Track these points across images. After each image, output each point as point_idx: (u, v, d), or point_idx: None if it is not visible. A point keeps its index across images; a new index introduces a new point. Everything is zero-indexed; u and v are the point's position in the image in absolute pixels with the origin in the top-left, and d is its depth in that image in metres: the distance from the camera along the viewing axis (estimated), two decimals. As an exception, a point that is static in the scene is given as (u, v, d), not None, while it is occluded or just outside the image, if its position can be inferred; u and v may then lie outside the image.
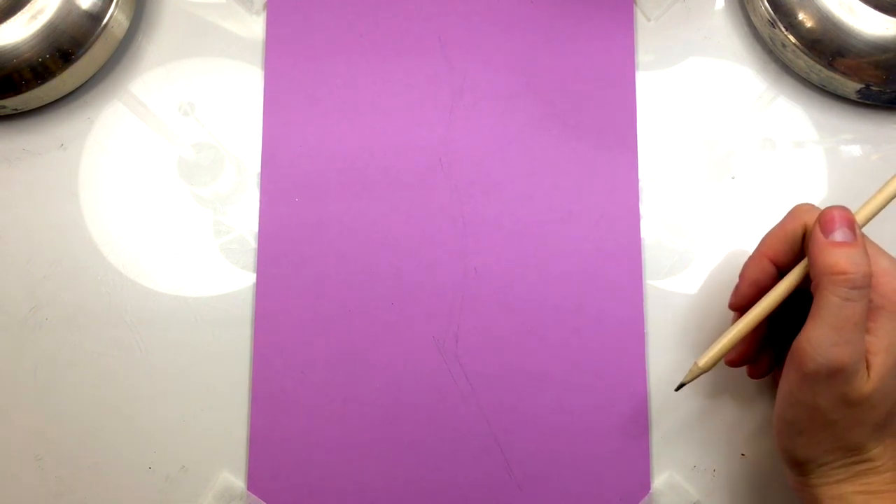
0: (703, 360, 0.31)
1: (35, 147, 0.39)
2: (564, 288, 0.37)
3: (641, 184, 0.38)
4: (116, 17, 0.38)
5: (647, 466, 0.36)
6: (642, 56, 0.40)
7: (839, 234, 0.28)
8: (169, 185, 0.39)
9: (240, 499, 0.36)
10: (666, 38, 0.40)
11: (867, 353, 0.28)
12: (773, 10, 0.38)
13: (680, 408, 0.37)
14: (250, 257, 0.38)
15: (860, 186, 0.38)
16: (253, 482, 0.36)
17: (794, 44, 0.37)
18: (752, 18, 0.40)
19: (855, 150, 0.39)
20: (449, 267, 0.38)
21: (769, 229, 0.32)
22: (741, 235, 0.38)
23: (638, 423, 0.36)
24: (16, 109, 0.38)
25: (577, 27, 0.40)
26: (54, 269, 0.38)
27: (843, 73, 0.37)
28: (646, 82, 0.39)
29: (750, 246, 0.37)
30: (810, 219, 0.30)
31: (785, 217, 0.31)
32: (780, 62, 0.40)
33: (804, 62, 0.38)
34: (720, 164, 0.39)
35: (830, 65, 0.37)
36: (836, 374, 0.27)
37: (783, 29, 0.37)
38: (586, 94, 0.39)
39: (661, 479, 0.36)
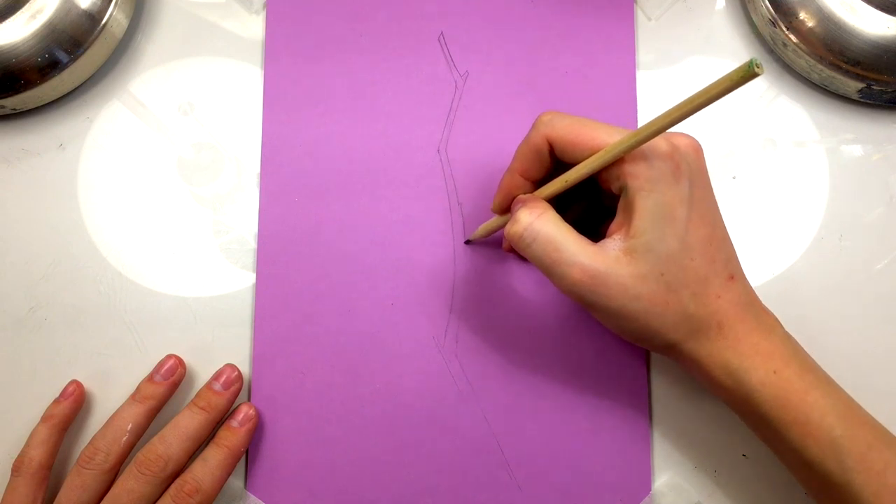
0: (472, 236, 0.37)
1: (34, 147, 0.39)
2: (565, 288, 0.37)
3: (642, 183, 0.38)
4: (116, 16, 0.38)
5: (647, 467, 0.36)
6: (643, 55, 0.40)
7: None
8: (168, 184, 0.38)
9: (240, 499, 0.36)
10: (666, 38, 0.40)
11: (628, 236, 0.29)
12: (773, 9, 0.38)
13: (681, 408, 0.37)
14: (250, 257, 0.38)
15: (861, 186, 0.38)
16: (253, 482, 0.36)
17: (794, 43, 0.37)
18: (753, 18, 0.39)
19: (856, 149, 0.39)
20: (448, 267, 0.37)
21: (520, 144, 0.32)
22: (742, 235, 0.38)
23: (639, 423, 0.36)
24: (15, 109, 0.38)
25: (578, 27, 0.40)
26: (53, 269, 0.38)
27: (845, 73, 0.37)
28: (646, 82, 0.39)
29: (750, 243, 0.37)
30: (551, 130, 0.31)
31: (530, 131, 0.32)
32: (780, 62, 0.40)
33: (805, 62, 0.38)
34: (721, 164, 0.39)
35: (831, 64, 0.37)
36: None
37: (784, 28, 0.37)
38: (587, 93, 0.39)
39: (663, 479, 0.36)
